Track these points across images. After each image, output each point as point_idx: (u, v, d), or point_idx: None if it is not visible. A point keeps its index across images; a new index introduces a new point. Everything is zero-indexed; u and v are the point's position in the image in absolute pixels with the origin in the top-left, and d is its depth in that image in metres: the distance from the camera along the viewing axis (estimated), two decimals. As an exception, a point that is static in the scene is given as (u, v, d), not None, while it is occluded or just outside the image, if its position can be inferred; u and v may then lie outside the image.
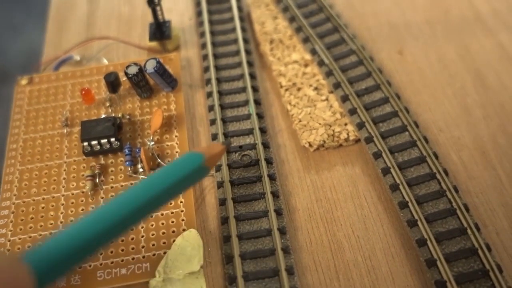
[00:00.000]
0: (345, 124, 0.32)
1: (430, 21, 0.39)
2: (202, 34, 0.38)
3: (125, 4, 0.42)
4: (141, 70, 0.32)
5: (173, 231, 0.28)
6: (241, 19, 0.38)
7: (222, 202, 0.29)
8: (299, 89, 0.34)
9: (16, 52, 0.96)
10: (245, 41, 0.37)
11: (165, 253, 0.28)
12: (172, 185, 0.24)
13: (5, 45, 0.97)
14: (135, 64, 0.32)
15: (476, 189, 0.30)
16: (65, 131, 0.33)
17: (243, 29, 0.38)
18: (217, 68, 0.35)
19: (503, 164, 0.31)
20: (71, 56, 0.38)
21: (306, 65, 0.35)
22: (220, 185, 0.30)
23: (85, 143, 0.31)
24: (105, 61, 0.37)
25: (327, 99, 0.33)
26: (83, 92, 0.33)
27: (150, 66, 0.32)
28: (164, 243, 0.28)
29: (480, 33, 0.38)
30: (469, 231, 0.27)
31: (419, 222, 0.27)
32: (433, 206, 0.28)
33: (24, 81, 0.36)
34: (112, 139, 0.31)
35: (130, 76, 0.32)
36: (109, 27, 0.41)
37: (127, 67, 0.32)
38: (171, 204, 0.29)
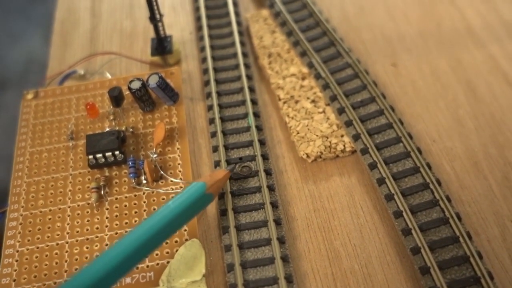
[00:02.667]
0: (342, 136, 0.33)
1: (423, 34, 0.41)
2: (202, 49, 0.39)
3: (127, 19, 0.44)
4: (144, 85, 0.33)
5: (176, 241, 0.29)
6: (240, 33, 0.40)
7: (223, 213, 0.30)
8: (296, 102, 0.35)
9: (15, 61, 0.97)
10: (244, 55, 0.38)
11: (168, 262, 0.29)
12: (177, 215, 0.26)
13: (4, 54, 0.98)
14: (138, 79, 0.33)
15: (468, 198, 0.31)
16: (71, 144, 0.34)
17: (242, 43, 0.39)
18: (217, 82, 0.36)
19: (494, 173, 0.32)
20: (75, 70, 0.39)
21: (303, 78, 0.37)
22: (221, 196, 0.31)
23: (90, 156, 0.32)
24: (108, 75, 0.38)
25: (324, 112, 0.34)
26: (88, 107, 0.34)
27: (153, 81, 0.33)
28: (167, 252, 0.29)
29: (471, 45, 0.40)
30: (461, 239, 0.28)
31: (413, 231, 0.28)
32: (427, 215, 0.29)
33: (30, 95, 0.37)
34: (117, 152, 0.32)
35: (134, 91, 0.33)
36: (111, 42, 0.42)
37: (131, 82, 0.33)
38: (173, 214, 0.30)
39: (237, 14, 0.41)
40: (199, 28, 0.41)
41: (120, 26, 0.43)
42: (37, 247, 0.29)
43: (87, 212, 0.31)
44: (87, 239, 0.30)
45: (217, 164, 0.32)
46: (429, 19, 0.42)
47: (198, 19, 0.41)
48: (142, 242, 0.24)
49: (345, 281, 0.28)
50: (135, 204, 0.31)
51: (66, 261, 0.29)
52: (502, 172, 0.32)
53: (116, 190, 0.32)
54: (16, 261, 0.29)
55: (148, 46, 0.40)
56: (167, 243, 0.29)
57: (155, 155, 0.32)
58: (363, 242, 0.30)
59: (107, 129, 0.34)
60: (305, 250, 0.29)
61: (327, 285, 0.28)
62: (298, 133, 0.33)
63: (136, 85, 0.33)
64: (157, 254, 0.29)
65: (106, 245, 0.29)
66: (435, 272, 0.27)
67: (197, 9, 0.42)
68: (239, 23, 0.40)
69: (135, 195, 0.31)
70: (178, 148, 0.33)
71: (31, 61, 0.97)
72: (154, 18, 0.36)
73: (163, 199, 0.31)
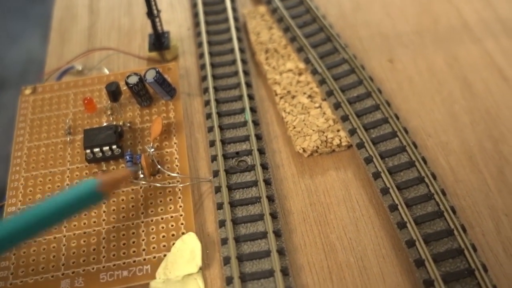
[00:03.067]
0: (338, 131, 0.33)
1: (419, 30, 0.41)
2: (199, 44, 0.39)
3: (125, 16, 0.44)
4: (141, 80, 0.33)
5: (173, 235, 0.30)
6: (237, 29, 0.40)
7: (220, 206, 0.30)
8: (293, 97, 0.35)
9: (14, 61, 0.97)
10: (241, 51, 0.38)
11: (165, 255, 0.29)
12: (61, 208, 0.26)
13: (2, 53, 0.98)
14: (136, 74, 0.33)
15: (463, 192, 0.31)
16: (68, 139, 0.34)
17: (239, 39, 0.39)
18: (215, 77, 0.37)
19: (489, 167, 0.32)
20: (73, 66, 0.39)
21: (300, 74, 0.37)
22: (217, 190, 0.31)
23: (88, 151, 0.32)
24: (106, 71, 0.39)
25: (320, 107, 0.35)
26: (86, 101, 0.34)
27: (150, 76, 0.33)
28: (164, 246, 0.29)
29: (467, 41, 0.40)
30: (455, 232, 0.28)
31: (408, 224, 0.28)
32: (422, 209, 0.29)
33: (28, 91, 0.37)
34: (114, 147, 0.32)
35: (131, 85, 0.33)
36: (109, 38, 0.42)
37: (128, 77, 0.33)
38: (170, 208, 0.30)
39: (234, 10, 0.41)
40: (196, 24, 0.41)
41: (118, 23, 0.43)
42: (34, 241, 0.30)
43: (85, 206, 0.31)
44: (84, 232, 0.30)
45: (214, 158, 0.32)
46: (425, 16, 0.42)
47: (195, 15, 0.42)
48: (21, 227, 0.25)
49: (340, 274, 0.28)
50: (132, 198, 0.31)
51: (63, 254, 0.29)
52: (496, 166, 0.32)
53: (114, 184, 0.32)
54: (14, 254, 0.29)
55: (146, 42, 0.40)
56: (164, 236, 0.29)
57: (153, 150, 0.32)
58: (358, 236, 0.30)
59: (105, 124, 0.34)
60: (301, 244, 0.30)
61: (323, 277, 0.28)
62: (294, 127, 0.34)
63: (133, 80, 0.33)
64: (154, 247, 0.29)
65: (103, 238, 0.30)
66: (430, 264, 0.27)
67: (194, 5, 0.42)
68: (236, 19, 0.40)
69: (132, 189, 0.31)
70: (175, 143, 0.34)
71: (29, 60, 0.97)
72: (152, 13, 0.36)
73: (160, 193, 0.31)
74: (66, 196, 0.26)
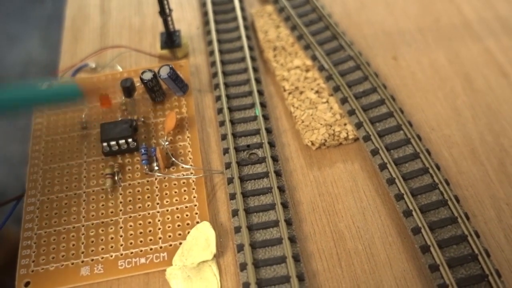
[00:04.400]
0: (345, 124, 0.35)
1: (421, 29, 0.42)
2: (209, 42, 0.40)
3: (135, 15, 0.45)
4: (156, 76, 0.35)
5: (188, 224, 0.31)
6: (246, 28, 0.41)
7: (233, 197, 0.31)
8: (301, 93, 0.37)
9: (14, 62, 0.98)
10: (250, 48, 0.39)
11: (180, 243, 0.30)
12: (39, 95, 0.27)
13: (2, 56, 0.98)
14: (150, 70, 0.35)
15: (466, 182, 0.33)
16: (84, 133, 0.35)
17: (248, 37, 0.40)
18: (225, 74, 0.38)
19: (490, 159, 0.34)
20: (86, 63, 0.40)
21: (307, 70, 0.38)
22: (230, 181, 0.32)
23: (105, 144, 0.33)
24: (119, 68, 0.40)
25: (327, 101, 0.36)
26: (101, 97, 0.35)
27: (164, 72, 0.34)
28: (179, 234, 0.30)
29: (468, 39, 0.41)
30: (459, 220, 0.29)
31: (413, 212, 0.30)
32: (426, 198, 0.30)
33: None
34: (130, 140, 0.33)
35: (145, 81, 0.34)
36: (121, 37, 0.43)
37: (143, 73, 0.35)
38: (185, 199, 0.32)
39: (242, 9, 0.42)
40: (206, 23, 0.42)
41: (129, 22, 0.44)
42: (54, 230, 0.31)
43: (102, 197, 0.32)
44: (102, 222, 0.31)
45: (226, 151, 0.33)
46: (427, 15, 0.43)
47: (205, 14, 0.43)
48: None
49: (349, 260, 0.30)
50: (147, 189, 0.32)
51: (82, 243, 0.30)
52: (497, 158, 0.34)
53: (129, 176, 0.33)
54: (35, 243, 0.30)
55: (156, 41, 0.42)
56: (179, 225, 0.31)
57: (167, 143, 0.34)
58: (366, 224, 0.31)
59: (120, 119, 0.35)
60: (310, 232, 0.31)
61: (332, 264, 0.30)
62: (303, 122, 0.35)
63: (147, 76, 0.34)
64: (170, 236, 0.30)
65: (121, 227, 0.31)
66: (435, 250, 0.28)
67: (203, 5, 0.43)
68: (244, 18, 0.42)
69: (147, 181, 0.33)
70: (188, 137, 0.35)
71: (29, 62, 0.98)
72: (164, 12, 0.37)
73: (175, 184, 0.32)
74: (48, 89, 0.27)
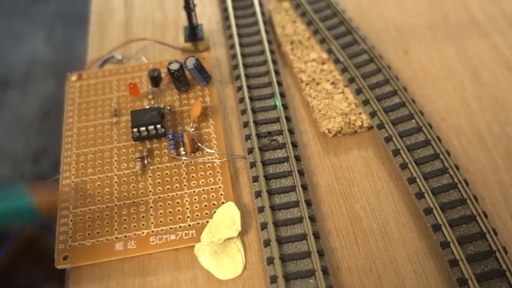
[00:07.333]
0: (360, 113, 0.37)
1: (431, 25, 0.44)
2: (230, 36, 0.42)
3: (158, 10, 0.47)
4: (182, 67, 0.37)
5: (214, 204, 0.33)
6: (264, 23, 0.43)
7: (255, 179, 0.33)
8: (318, 84, 0.39)
9: (18, 61, 0.99)
10: (269, 42, 0.41)
11: (207, 222, 0.32)
12: None
13: (6, 54, 1.00)
14: (176, 61, 0.37)
15: (474, 168, 0.35)
16: (114, 120, 0.37)
17: (267, 32, 0.42)
18: (245, 66, 0.40)
19: (497, 147, 0.36)
20: (113, 56, 0.42)
21: (323, 63, 0.40)
22: (252, 165, 0.34)
23: (135, 129, 0.35)
24: (145, 60, 0.42)
25: (343, 92, 0.38)
26: (131, 86, 0.37)
27: (190, 63, 0.36)
28: (206, 213, 0.32)
29: (475, 35, 0.43)
30: (468, 201, 0.31)
31: (425, 194, 0.32)
32: (438, 181, 0.33)
33: (74, 77, 0.40)
34: (158, 126, 0.35)
35: (172, 71, 0.37)
36: (144, 31, 0.45)
37: (170, 63, 0.37)
38: (210, 181, 0.34)
39: (260, 5, 0.45)
40: (225, 18, 0.44)
41: (152, 17, 0.47)
42: (89, 209, 0.33)
43: (132, 179, 0.34)
44: (134, 202, 0.33)
45: (248, 137, 0.35)
46: (436, 12, 0.45)
47: (224, 10, 0.45)
48: None
49: (365, 238, 0.32)
50: (175, 172, 0.34)
51: (115, 221, 0.32)
52: (504, 146, 0.36)
53: (158, 160, 0.35)
54: (71, 221, 0.32)
55: (178, 34, 0.44)
56: (205, 205, 0.33)
57: (193, 129, 0.36)
58: (380, 206, 0.33)
59: (147, 107, 0.37)
60: (328, 213, 0.33)
61: (349, 242, 0.32)
62: (319, 111, 0.37)
63: (174, 66, 0.36)
64: (197, 215, 0.32)
65: (151, 207, 0.33)
66: (446, 229, 0.30)
67: (223, 1, 0.46)
68: (263, 14, 0.44)
69: (175, 164, 0.35)
70: (212, 124, 0.37)
71: (33, 61, 0.99)
72: (189, 7, 0.39)
73: (200, 167, 0.35)
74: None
